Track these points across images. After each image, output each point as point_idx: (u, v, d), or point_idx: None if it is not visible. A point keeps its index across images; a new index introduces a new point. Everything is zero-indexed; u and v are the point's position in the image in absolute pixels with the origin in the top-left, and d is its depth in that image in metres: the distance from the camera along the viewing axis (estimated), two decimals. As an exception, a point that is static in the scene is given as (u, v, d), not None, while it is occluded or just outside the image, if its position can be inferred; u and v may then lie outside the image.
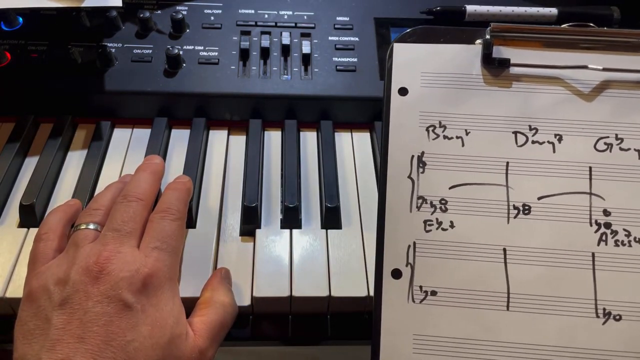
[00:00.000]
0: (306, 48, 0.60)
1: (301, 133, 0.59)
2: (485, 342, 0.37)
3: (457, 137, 0.40)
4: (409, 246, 0.38)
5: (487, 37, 0.42)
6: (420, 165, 0.40)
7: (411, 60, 0.42)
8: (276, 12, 0.63)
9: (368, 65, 0.59)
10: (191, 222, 0.49)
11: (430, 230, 0.39)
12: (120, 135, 0.57)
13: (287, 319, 0.46)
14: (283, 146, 0.56)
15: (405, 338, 0.37)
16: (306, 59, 0.59)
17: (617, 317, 0.37)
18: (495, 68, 0.42)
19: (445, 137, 0.40)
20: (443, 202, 0.39)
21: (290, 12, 0.63)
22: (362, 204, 0.52)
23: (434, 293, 0.38)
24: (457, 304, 0.37)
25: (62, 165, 0.54)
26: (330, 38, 0.61)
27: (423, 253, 0.38)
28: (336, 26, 0.62)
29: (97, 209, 0.43)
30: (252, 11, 0.63)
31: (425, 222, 0.39)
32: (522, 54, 0.42)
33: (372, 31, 0.62)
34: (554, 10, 0.63)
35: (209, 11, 0.63)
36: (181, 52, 0.58)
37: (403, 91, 0.41)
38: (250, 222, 0.49)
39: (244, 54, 0.59)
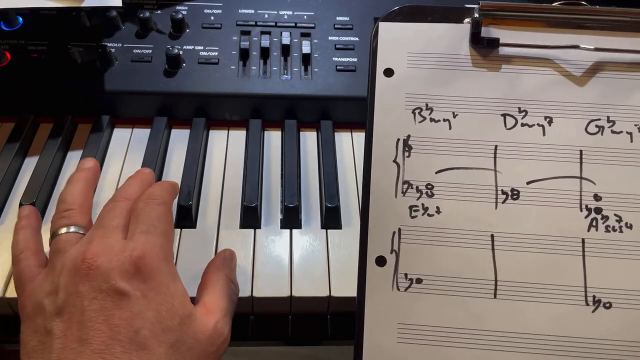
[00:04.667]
0: (306, 48, 0.60)
1: (301, 133, 0.59)
2: (472, 330, 0.36)
3: (445, 120, 0.39)
4: (394, 232, 0.37)
5: (476, 15, 0.40)
6: (406, 149, 0.39)
7: (397, 40, 0.41)
8: (276, 12, 0.63)
9: (368, 65, 0.59)
10: (191, 222, 0.49)
11: (416, 216, 0.37)
12: (120, 135, 0.57)
13: (287, 319, 0.46)
14: (283, 146, 0.56)
15: (389, 327, 0.36)
16: (306, 59, 0.59)
17: (607, 304, 0.36)
18: (484, 48, 0.40)
19: (432, 119, 0.39)
20: (429, 187, 0.38)
21: (290, 12, 0.63)
22: (362, 204, 0.52)
23: (419, 281, 0.36)
24: (443, 291, 0.36)
25: (62, 165, 0.54)
26: (330, 38, 0.61)
27: (408, 240, 0.37)
28: (336, 26, 0.62)
29: (69, 209, 0.41)
30: (252, 11, 0.63)
31: (410, 207, 0.38)
32: (512, 34, 0.41)
33: (372, 31, 0.62)
34: None
35: (209, 11, 0.63)
36: (181, 52, 0.58)
37: (389, 72, 0.40)
38: (250, 222, 0.49)
39: (244, 54, 0.59)
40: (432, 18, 0.41)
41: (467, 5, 0.41)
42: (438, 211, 0.38)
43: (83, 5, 0.54)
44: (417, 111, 0.39)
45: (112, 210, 0.40)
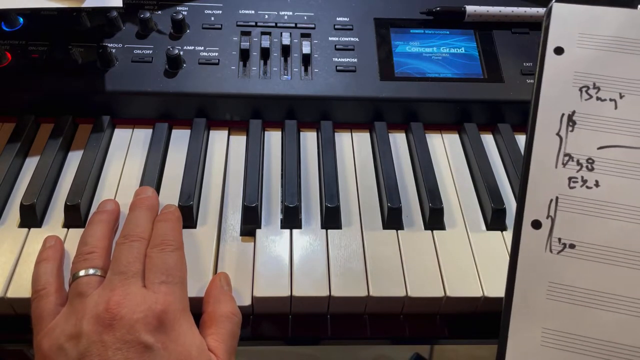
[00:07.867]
0: (306, 48, 0.60)
1: (301, 133, 0.59)
2: (619, 297, 0.38)
3: (611, 100, 0.41)
4: (551, 200, 0.40)
5: None
6: (570, 123, 0.41)
7: (569, 21, 0.43)
8: (276, 13, 0.63)
9: (368, 65, 0.59)
10: (191, 222, 0.49)
11: (574, 187, 0.40)
12: (120, 136, 0.57)
13: (287, 319, 0.46)
14: (283, 146, 0.56)
15: (539, 284, 0.39)
16: (306, 59, 0.59)
17: None
18: None
19: (598, 98, 0.41)
20: (590, 161, 0.40)
21: (290, 13, 0.63)
22: (362, 204, 0.52)
23: (572, 246, 0.39)
24: (595, 259, 0.39)
25: (63, 166, 0.54)
26: (330, 38, 0.61)
27: (565, 208, 0.40)
28: (336, 26, 0.62)
29: (91, 252, 0.42)
30: (252, 11, 0.63)
31: (569, 178, 0.40)
32: None
33: (372, 31, 0.62)
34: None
35: (209, 11, 0.63)
36: (181, 53, 0.58)
37: (559, 50, 0.43)
38: (251, 222, 0.49)
39: (244, 55, 0.59)
40: (605, 2, 0.43)
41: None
42: (597, 185, 0.40)
43: (84, 5, 0.55)
44: (584, 89, 0.42)
45: (129, 253, 0.40)
